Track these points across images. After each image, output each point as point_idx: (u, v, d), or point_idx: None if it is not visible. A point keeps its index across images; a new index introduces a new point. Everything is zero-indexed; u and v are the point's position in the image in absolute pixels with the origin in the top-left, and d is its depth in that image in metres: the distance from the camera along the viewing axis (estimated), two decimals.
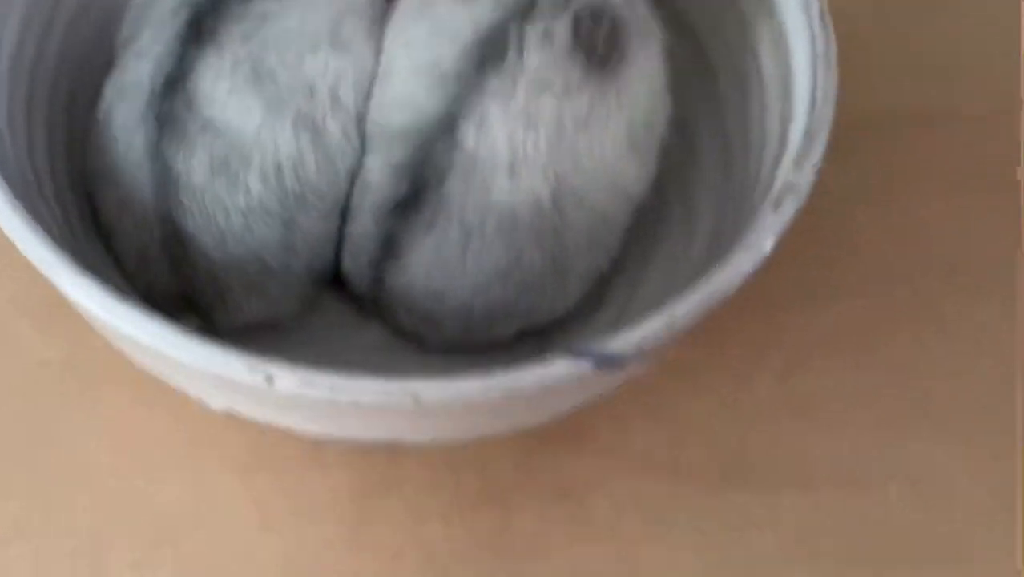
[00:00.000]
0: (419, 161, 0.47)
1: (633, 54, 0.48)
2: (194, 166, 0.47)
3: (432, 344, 0.50)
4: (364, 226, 0.49)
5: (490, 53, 0.47)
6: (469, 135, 0.46)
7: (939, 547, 0.52)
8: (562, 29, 0.47)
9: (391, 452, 0.50)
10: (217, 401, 0.42)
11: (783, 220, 0.42)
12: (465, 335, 0.50)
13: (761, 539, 0.51)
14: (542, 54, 0.46)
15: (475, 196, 0.47)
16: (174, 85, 0.47)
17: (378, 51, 0.49)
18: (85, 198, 0.50)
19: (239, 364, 0.38)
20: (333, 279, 0.52)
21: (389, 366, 0.48)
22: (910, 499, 0.53)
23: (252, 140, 0.47)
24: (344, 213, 0.50)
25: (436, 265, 0.48)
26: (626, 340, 0.40)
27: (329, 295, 0.52)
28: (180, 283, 0.48)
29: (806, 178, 0.43)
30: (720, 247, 0.47)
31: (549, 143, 0.47)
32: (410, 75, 0.48)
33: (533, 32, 0.47)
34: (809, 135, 0.44)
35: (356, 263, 0.50)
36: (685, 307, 0.41)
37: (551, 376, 0.39)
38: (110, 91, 0.49)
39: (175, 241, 0.48)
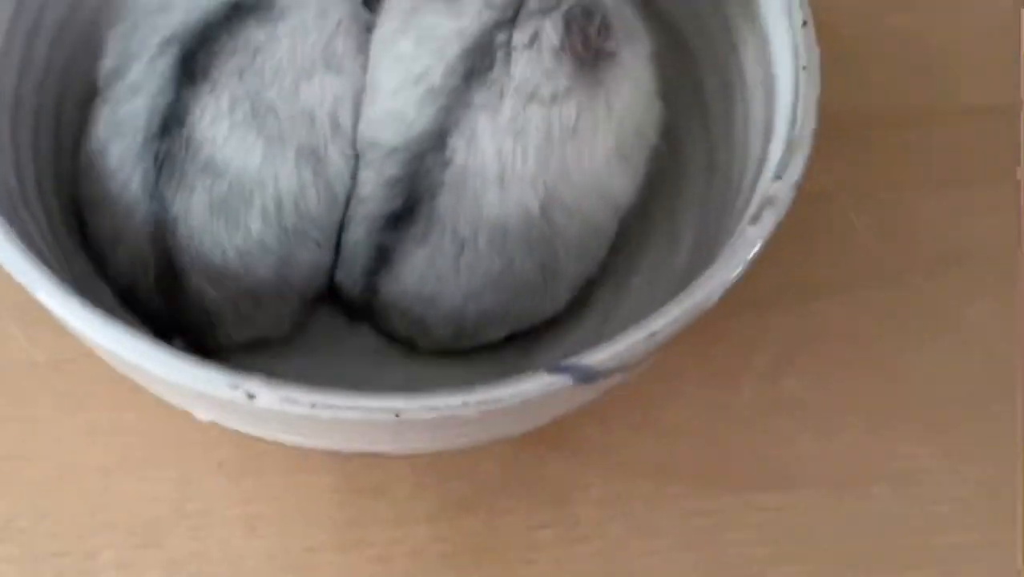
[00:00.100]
0: (411, 175, 0.47)
1: (622, 55, 0.48)
2: (193, 207, 0.47)
3: (423, 348, 0.51)
4: (357, 237, 0.49)
5: (477, 64, 0.47)
6: (459, 149, 0.47)
7: (925, 548, 0.52)
8: (551, 28, 0.47)
9: (377, 455, 0.50)
10: (203, 414, 0.42)
11: (762, 234, 0.42)
12: (456, 340, 0.50)
13: (746, 540, 0.52)
14: (529, 59, 0.47)
15: (467, 209, 0.47)
16: (171, 126, 0.47)
17: (366, 67, 0.49)
18: (74, 212, 0.50)
19: (221, 381, 0.38)
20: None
21: (379, 370, 0.50)
22: (895, 499, 0.53)
23: (254, 178, 0.47)
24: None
25: (429, 275, 0.48)
26: (606, 354, 0.40)
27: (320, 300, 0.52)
28: (170, 312, 0.48)
29: (786, 192, 0.43)
30: (703, 254, 0.47)
31: (538, 154, 0.47)
32: (399, 91, 0.48)
33: (520, 36, 0.47)
34: (790, 149, 0.44)
35: (349, 273, 0.50)
36: (664, 321, 0.41)
37: (532, 391, 0.39)
38: (103, 126, 0.48)
39: (169, 277, 0.48)
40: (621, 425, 0.53)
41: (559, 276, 0.49)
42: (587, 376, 0.40)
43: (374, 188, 0.49)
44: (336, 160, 0.49)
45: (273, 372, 0.46)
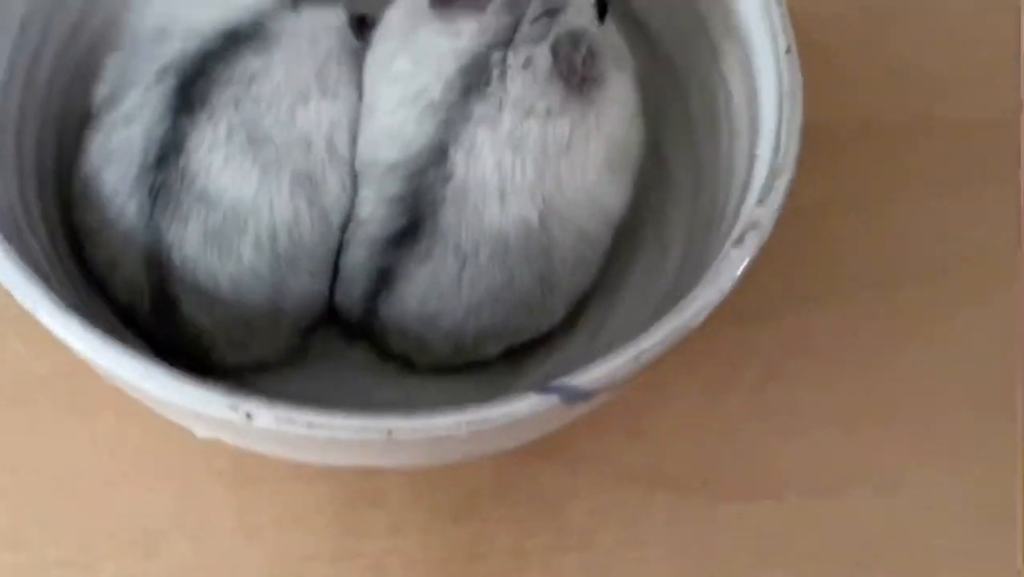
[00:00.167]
0: (412, 193, 0.48)
1: (609, 79, 0.49)
2: (187, 236, 0.48)
3: (420, 365, 0.52)
4: (357, 260, 0.50)
5: (474, 80, 0.48)
6: (459, 163, 0.48)
7: (910, 555, 0.53)
8: (542, 55, 0.48)
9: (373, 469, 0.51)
10: (203, 431, 0.43)
11: (745, 257, 0.43)
12: (454, 356, 0.51)
13: (735, 547, 0.53)
14: (524, 79, 0.48)
15: (468, 223, 0.48)
16: (167, 155, 0.47)
17: (359, 90, 0.50)
18: (77, 240, 0.51)
19: (220, 402, 0.40)
20: None
21: (375, 386, 0.51)
22: (881, 507, 0.54)
23: (248, 207, 0.48)
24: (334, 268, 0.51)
25: (431, 292, 0.49)
26: (593, 375, 0.41)
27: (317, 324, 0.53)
28: (167, 336, 0.49)
29: (769, 217, 0.44)
30: (690, 272, 0.48)
31: (536, 166, 0.48)
32: (397, 108, 0.49)
33: (515, 59, 0.48)
34: (773, 174, 0.45)
35: (348, 295, 0.51)
36: (650, 341, 0.42)
37: (521, 411, 0.41)
38: (96, 153, 0.49)
39: (164, 303, 0.48)
40: (611, 435, 0.54)
41: (556, 288, 0.50)
42: (575, 396, 0.41)
43: (375, 208, 0.49)
44: (333, 186, 0.50)
45: (271, 389, 0.48)
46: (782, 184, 0.44)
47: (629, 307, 0.52)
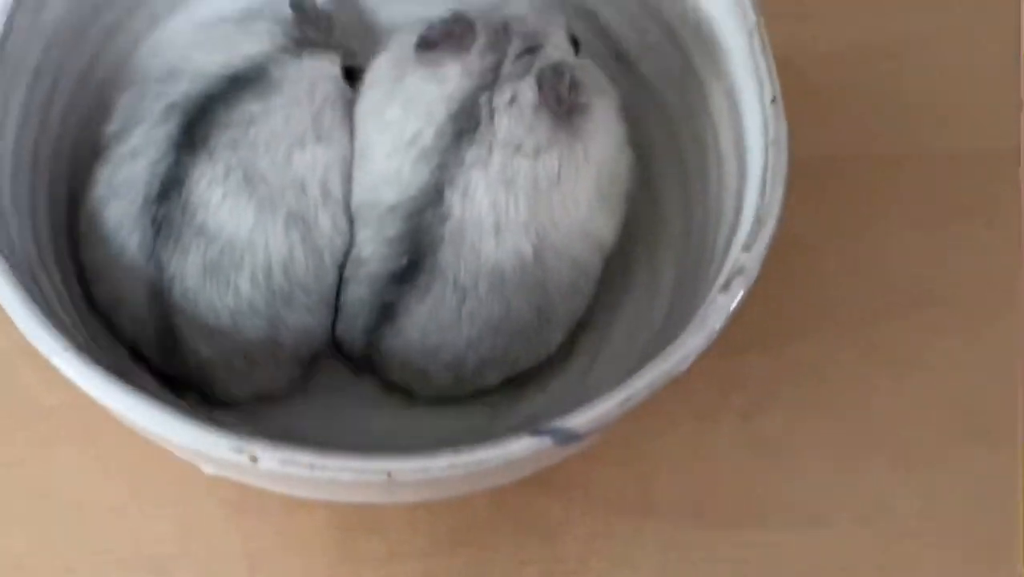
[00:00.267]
0: (411, 232, 0.50)
1: (593, 109, 0.51)
2: (187, 269, 0.49)
3: (421, 396, 0.53)
4: (358, 296, 0.52)
5: (465, 125, 0.50)
6: (455, 203, 0.50)
7: None
8: (527, 89, 0.50)
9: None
10: (209, 469, 0.45)
11: (732, 303, 0.45)
12: (454, 387, 0.53)
13: (725, 574, 0.54)
14: (511, 117, 0.50)
15: (466, 260, 0.50)
16: (170, 189, 0.49)
17: (351, 134, 0.52)
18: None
19: (225, 445, 0.41)
20: None
21: (377, 418, 0.53)
22: (867, 535, 0.55)
23: (244, 243, 0.50)
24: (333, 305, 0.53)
25: (432, 326, 0.51)
26: (584, 418, 0.43)
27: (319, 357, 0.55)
28: (171, 368, 0.51)
29: (754, 263, 0.45)
30: (680, 307, 0.50)
31: (528, 202, 0.50)
32: (392, 153, 0.51)
33: (500, 98, 0.50)
34: (758, 220, 0.46)
35: (350, 330, 0.53)
36: (640, 384, 0.44)
37: (515, 453, 0.42)
38: (102, 187, 0.51)
39: (167, 336, 0.50)
40: (604, 464, 0.55)
41: (552, 318, 0.52)
42: (567, 438, 0.43)
43: (375, 248, 0.51)
44: (326, 227, 0.52)
45: (276, 421, 0.50)
46: (767, 231, 0.46)
47: (622, 340, 0.54)
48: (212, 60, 0.51)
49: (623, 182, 0.53)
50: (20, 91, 0.49)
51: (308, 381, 0.54)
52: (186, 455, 0.44)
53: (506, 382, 0.54)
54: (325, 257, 0.52)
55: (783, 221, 0.47)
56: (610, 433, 0.50)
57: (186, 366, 0.51)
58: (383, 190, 0.51)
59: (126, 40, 0.56)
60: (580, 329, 0.54)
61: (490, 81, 0.50)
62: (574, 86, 0.50)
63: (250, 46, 0.52)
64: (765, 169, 0.47)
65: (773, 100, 0.48)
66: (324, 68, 0.53)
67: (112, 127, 0.52)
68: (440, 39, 0.51)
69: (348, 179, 0.52)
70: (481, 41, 0.51)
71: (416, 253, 0.50)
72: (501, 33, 0.51)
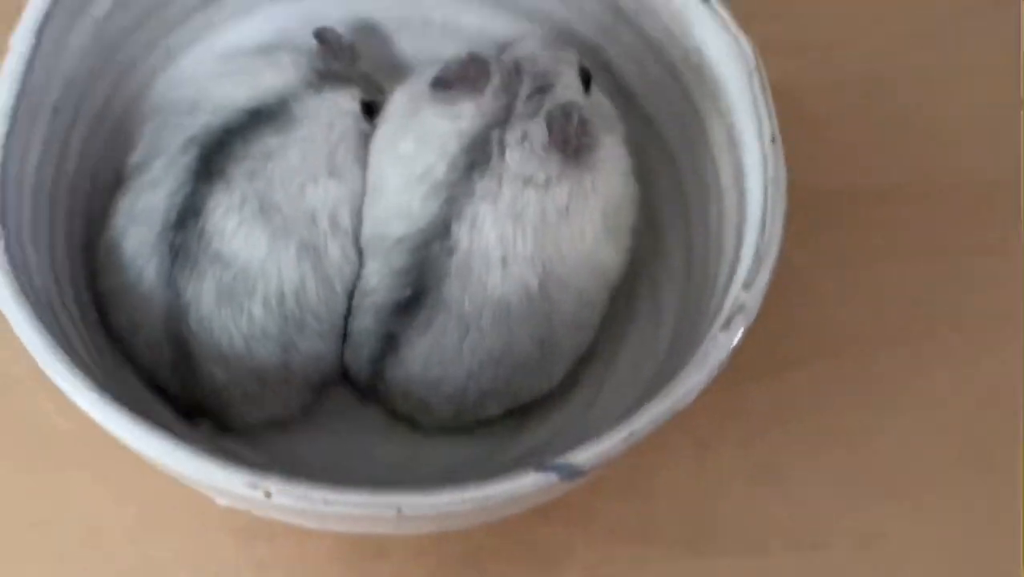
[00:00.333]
0: (417, 265, 0.52)
1: (601, 145, 0.52)
2: (203, 294, 0.51)
3: (425, 425, 0.55)
4: (364, 325, 0.53)
5: (476, 159, 0.51)
6: (463, 236, 0.51)
7: None
8: (537, 128, 0.51)
9: None
10: (221, 500, 0.46)
11: (732, 341, 0.46)
12: (456, 418, 0.54)
13: None
14: (522, 153, 0.51)
15: (472, 292, 0.51)
16: (186, 218, 0.51)
17: (365, 172, 0.54)
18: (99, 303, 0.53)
19: (240, 481, 0.42)
20: None
21: (385, 445, 0.55)
22: (865, 560, 0.57)
23: (258, 269, 0.51)
24: (344, 332, 0.54)
25: (434, 358, 0.52)
26: (589, 454, 0.44)
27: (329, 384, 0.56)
28: (187, 394, 0.52)
29: (754, 300, 0.46)
30: (682, 340, 0.51)
31: (535, 234, 0.51)
32: (403, 187, 0.52)
33: (512, 135, 0.51)
34: (758, 258, 0.47)
35: (356, 357, 0.54)
36: (643, 421, 0.45)
37: (521, 488, 0.43)
38: (122, 216, 0.52)
39: (183, 361, 0.52)
40: (606, 492, 0.56)
41: (556, 351, 0.53)
42: (572, 473, 0.44)
43: (381, 279, 0.53)
44: (335, 256, 0.53)
45: (285, 448, 0.51)
46: (767, 269, 0.47)
47: (626, 371, 0.55)
48: (235, 92, 0.53)
49: (629, 215, 0.54)
50: (40, 129, 0.51)
51: (317, 407, 0.56)
52: (200, 487, 0.46)
53: (509, 413, 0.55)
54: (335, 285, 0.53)
55: (780, 262, 0.48)
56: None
57: (201, 392, 0.52)
58: (393, 223, 0.52)
59: (142, 75, 0.57)
60: (584, 361, 0.55)
61: (502, 119, 0.52)
62: (582, 126, 0.51)
63: (273, 78, 0.54)
64: (764, 207, 0.48)
65: (772, 139, 0.49)
66: (343, 104, 0.54)
67: (134, 158, 0.53)
68: (455, 79, 0.52)
69: (357, 212, 0.54)
70: (495, 82, 0.52)
71: (421, 285, 0.51)
72: (514, 74, 0.53)
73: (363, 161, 0.54)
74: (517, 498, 0.44)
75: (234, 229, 0.51)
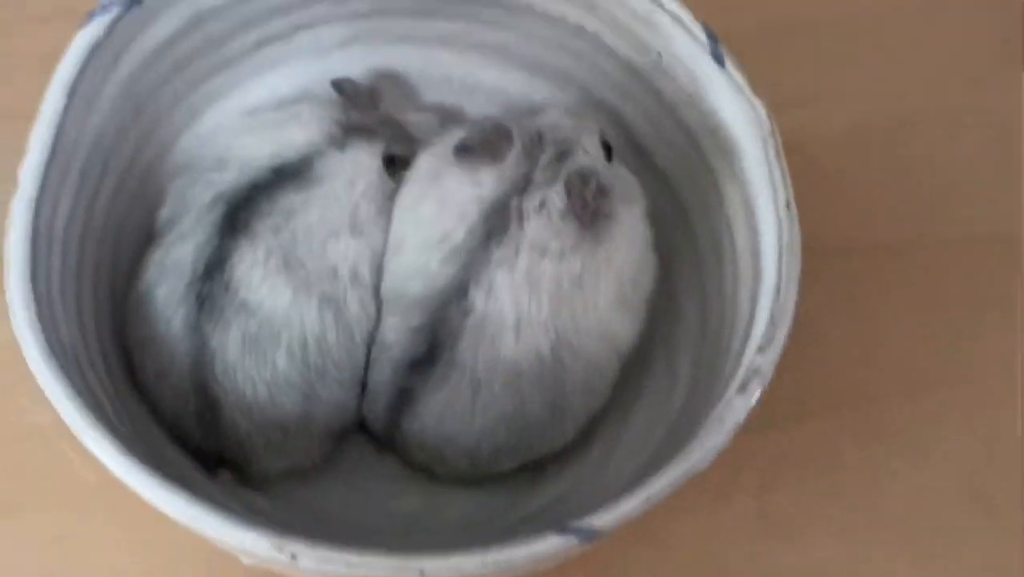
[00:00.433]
0: (434, 324, 0.53)
1: (619, 216, 0.53)
2: (228, 343, 0.52)
3: (441, 476, 0.56)
4: (382, 377, 0.54)
5: (495, 227, 0.52)
6: (479, 300, 0.52)
7: None
8: (556, 196, 0.52)
9: None
10: (246, 560, 0.47)
11: (749, 403, 0.47)
12: (471, 470, 0.55)
13: None
14: (539, 221, 0.52)
15: (485, 354, 0.52)
16: (213, 270, 0.52)
17: (387, 227, 0.55)
18: (127, 358, 0.54)
19: (266, 544, 0.43)
20: None
21: (402, 494, 0.56)
22: None
23: (282, 320, 0.52)
24: (363, 381, 0.55)
25: (447, 414, 0.53)
26: (608, 517, 0.45)
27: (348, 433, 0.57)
28: (210, 444, 0.53)
29: (770, 364, 0.47)
30: (697, 397, 0.52)
31: (550, 302, 0.52)
32: (423, 249, 0.53)
33: (530, 203, 0.52)
34: (772, 323, 0.48)
35: (374, 408, 0.55)
36: (662, 483, 0.46)
37: (542, 551, 0.44)
38: (153, 268, 0.54)
39: (207, 410, 0.53)
40: (619, 542, 0.56)
41: (566, 414, 0.54)
42: (591, 536, 0.45)
43: (399, 335, 0.54)
44: (355, 308, 0.54)
45: (305, 499, 0.52)
46: (782, 334, 0.48)
47: (640, 429, 0.56)
48: (259, 150, 0.54)
49: (645, 288, 0.55)
50: (70, 189, 0.52)
51: (336, 456, 0.57)
52: (226, 547, 0.47)
53: (524, 466, 0.56)
54: (355, 335, 0.54)
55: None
56: None
57: (224, 441, 0.53)
58: (411, 282, 0.53)
59: (167, 133, 0.58)
60: (598, 419, 0.56)
61: (522, 186, 0.52)
62: (600, 191, 0.52)
63: (296, 134, 0.55)
64: (779, 272, 0.49)
65: (787, 205, 0.50)
66: (365, 161, 0.55)
67: (165, 213, 0.55)
68: (478, 146, 0.53)
69: (378, 266, 0.55)
70: (517, 150, 0.53)
71: (436, 344, 0.53)
72: (536, 142, 0.53)
73: (386, 216, 0.55)
74: (538, 561, 0.44)
75: (259, 282, 0.52)
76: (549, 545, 0.44)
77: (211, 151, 0.56)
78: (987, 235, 0.66)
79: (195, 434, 0.53)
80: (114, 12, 0.53)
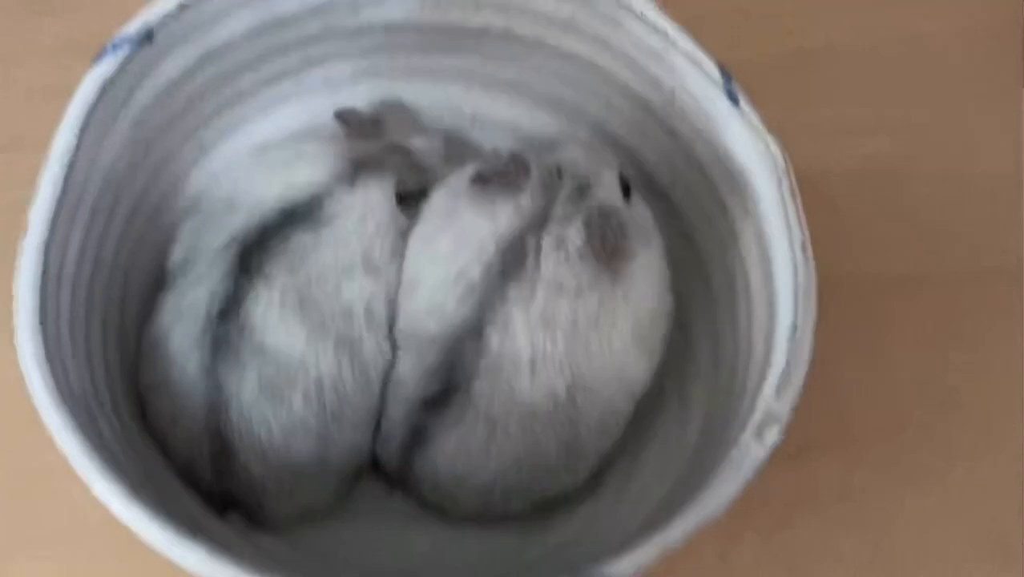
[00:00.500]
0: (449, 363, 0.52)
1: (636, 255, 0.53)
2: (244, 387, 0.51)
3: (452, 516, 0.55)
4: (395, 416, 0.54)
5: (511, 264, 0.52)
6: (494, 339, 0.51)
7: None
8: (574, 233, 0.52)
9: None
10: None
11: (766, 448, 0.47)
12: (483, 510, 0.55)
13: None
14: (556, 259, 0.51)
15: (500, 394, 0.52)
16: (228, 313, 0.52)
17: (401, 264, 0.54)
18: (136, 397, 0.54)
19: None
20: None
21: (413, 534, 0.55)
22: None
23: (298, 362, 0.52)
24: (377, 423, 0.55)
25: (461, 453, 0.53)
26: (624, 564, 0.45)
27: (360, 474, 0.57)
28: (222, 488, 0.53)
29: (786, 408, 0.47)
30: (710, 437, 0.52)
31: (565, 341, 0.51)
32: (439, 286, 0.53)
33: (548, 240, 0.52)
34: (789, 367, 0.48)
35: (387, 447, 0.55)
36: (678, 531, 0.45)
37: None
38: (168, 313, 0.53)
39: (221, 454, 0.52)
40: None
41: (580, 454, 0.54)
42: None
43: (413, 373, 0.53)
44: (370, 348, 0.54)
45: (316, 542, 0.52)
46: (798, 377, 0.48)
47: (654, 468, 0.55)
48: (268, 191, 0.54)
49: (661, 328, 0.54)
50: (79, 228, 0.51)
51: (347, 496, 0.56)
52: None
53: (535, 507, 0.55)
54: (371, 374, 0.54)
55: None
56: None
57: (237, 483, 0.53)
58: (427, 321, 0.53)
59: (177, 169, 0.58)
60: (610, 458, 0.56)
61: (539, 221, 0.52)
62: (619, 229, 0.52)
63: (305, 173, 0.54)
64: (795, 314, 0.49)
65: (803, 247, 0.50)
66: (375, 198, 0.55)
67: (176, 255, 0.54)
68: (495, 176, 0.52)
69: (392, 303, 0.54)
70: (534, 182, 0.52)
71: (450, 383, 0.52)
72: (554, 175, 0.53)
73: (400, 253, 0.55)
74: None
75: (275, 324, 0.52)
76: None
77: (221, 193, 0.55)
78: (995, 269, 0.65)
79: (206, 477, 0.53)
80: (126, 50, 0.52)
